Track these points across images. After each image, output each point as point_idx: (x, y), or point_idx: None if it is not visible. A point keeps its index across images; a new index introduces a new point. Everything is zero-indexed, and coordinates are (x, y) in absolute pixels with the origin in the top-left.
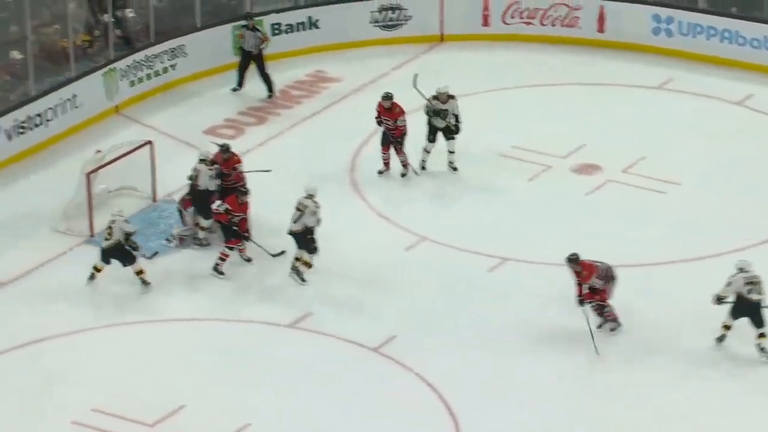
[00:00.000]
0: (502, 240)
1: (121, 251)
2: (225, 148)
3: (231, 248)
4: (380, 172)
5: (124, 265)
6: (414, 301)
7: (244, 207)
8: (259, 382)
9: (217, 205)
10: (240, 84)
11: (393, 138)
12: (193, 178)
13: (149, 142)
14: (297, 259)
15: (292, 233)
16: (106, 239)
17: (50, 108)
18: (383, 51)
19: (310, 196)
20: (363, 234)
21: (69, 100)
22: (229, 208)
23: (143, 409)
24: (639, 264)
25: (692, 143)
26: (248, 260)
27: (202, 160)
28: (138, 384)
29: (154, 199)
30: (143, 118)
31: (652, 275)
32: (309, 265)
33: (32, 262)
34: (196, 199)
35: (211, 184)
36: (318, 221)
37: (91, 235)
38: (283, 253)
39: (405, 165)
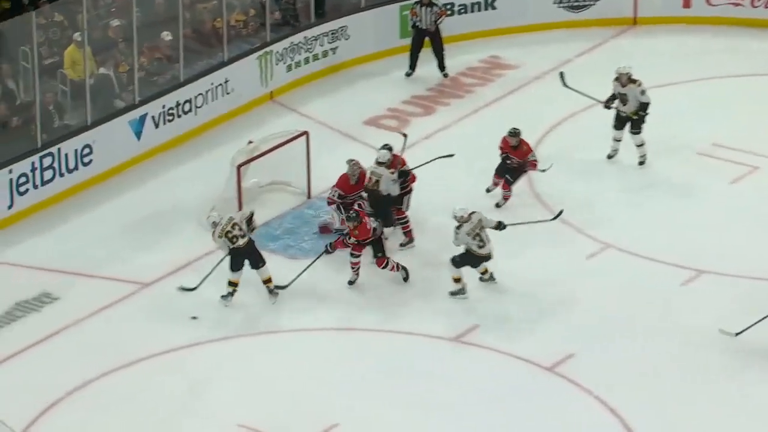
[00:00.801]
0: (698, 249)
1: (253, 250)
2: (389, 147)
3: (354, 255)
4: (488, 191)
5: (257, 267)
6: (595, 315)
7: (361, 232)
8: (420, 400)
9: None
10: (413, 67)
11: (512, 171)
12: (374, 184)
13: (305, 133)
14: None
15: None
16: (242, 236)
17: (200, 94)
18: (567, 35)
19: (465, 219)
20: (539, 239)
21: (221, 85)
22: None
23: (293, 426)
24: None
25: None
26: (405, 276)
27: (380, 163)
28: (287, 398)
29: (309, 196)
30: (299, 106)
31: None
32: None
33: (177, 261)
34: (376, 205)
35: (394, 189)
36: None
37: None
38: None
39: (506, 198)
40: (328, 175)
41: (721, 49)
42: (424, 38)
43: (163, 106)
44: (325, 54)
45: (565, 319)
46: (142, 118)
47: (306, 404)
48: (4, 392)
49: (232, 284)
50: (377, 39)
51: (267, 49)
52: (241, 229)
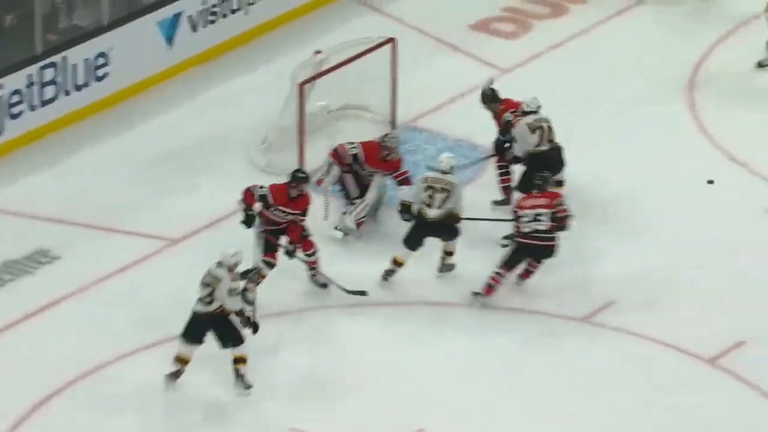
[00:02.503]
0: None
1: (224, 324)
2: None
3: (267, 262)
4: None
5: (224, 346)
6: None
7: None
8: (539, 381)
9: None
10: None
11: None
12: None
13: (391, 40)
14: (447, 253)
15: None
16: (204, 300)
17: None
18: None
19: (449, 172)
20: (700, 184)
21: None
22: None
23: None
24: None
25: None
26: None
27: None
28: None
29: (394, 124)
30: (384, 5)
31: None
32: (453, 252)
33: (217, 210)
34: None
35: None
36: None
37: None
38: (363, 294)
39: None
40: (420, 96)
41: None
42: None
43: (204, 3)
44: None
45: (730, 296)
46: (176, 18)
47: (389, 405)
48: None
49: (182, 360)
50: None
51: None
52: (211, 297)
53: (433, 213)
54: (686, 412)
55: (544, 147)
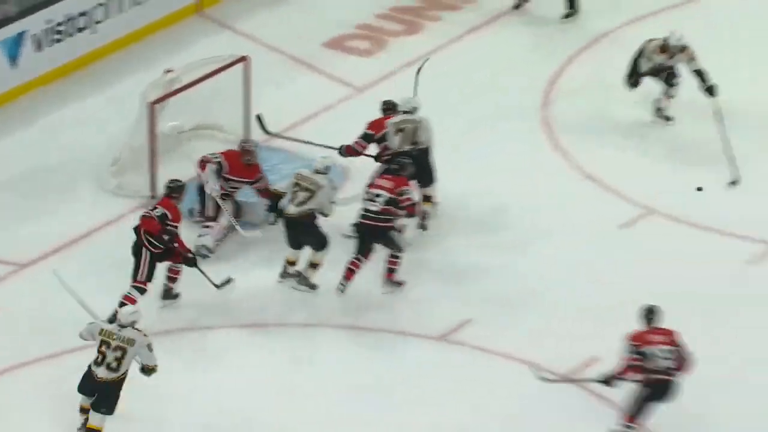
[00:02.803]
0: None
1: (112, 391)
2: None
3: (142, 289)
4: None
5: (96, 410)
6: (632, 308)
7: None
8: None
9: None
10: None
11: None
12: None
13: (244, 59)
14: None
15: (290, 217)
16: (110, 366)
17: (100, 4)
18: None
19: (322, 172)
20: (556, 201)
21: None
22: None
23: None
24: None
25: None
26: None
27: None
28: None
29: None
30: (236, 22)
31: None
32: (318, 265)
33: (65, 235)
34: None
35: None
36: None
37: (152, 197)
38: (229, 282)
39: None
40: (274, 116)
41: None
42: None
43: (48, 21)
44: None
45: (589, 313)
46: (19, 37)
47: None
48: None
49: (85, 410)
50: None
51: None
52: (120, 360)
53: (291, 209)
54: (544, 429)
55: (406, 148)
